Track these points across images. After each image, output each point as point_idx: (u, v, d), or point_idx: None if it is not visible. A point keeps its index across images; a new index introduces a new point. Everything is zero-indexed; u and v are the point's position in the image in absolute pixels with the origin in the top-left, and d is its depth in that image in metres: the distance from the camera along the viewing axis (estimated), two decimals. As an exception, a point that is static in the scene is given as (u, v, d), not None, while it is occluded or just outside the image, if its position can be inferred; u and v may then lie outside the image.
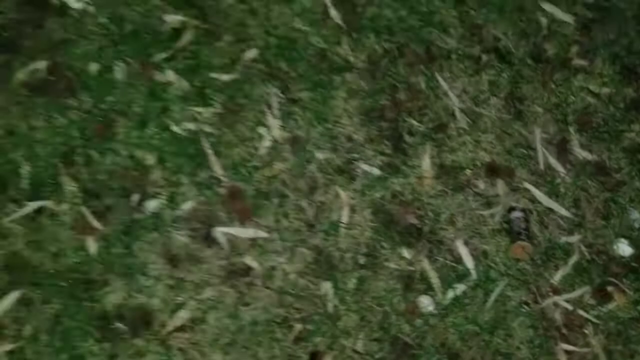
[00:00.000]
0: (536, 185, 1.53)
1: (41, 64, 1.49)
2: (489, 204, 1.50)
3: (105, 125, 1.47)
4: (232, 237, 1.40)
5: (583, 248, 1.47)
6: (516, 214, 1.48)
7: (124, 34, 1.54)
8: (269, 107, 1.53)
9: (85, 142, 1.44)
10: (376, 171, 1.49)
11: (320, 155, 1.50)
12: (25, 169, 1.40)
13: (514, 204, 1.50)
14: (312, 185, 1.47)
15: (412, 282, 1.40)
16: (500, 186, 1.52)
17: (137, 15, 1.56)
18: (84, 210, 1.38)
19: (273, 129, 1.51)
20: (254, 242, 1.40)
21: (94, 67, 1.51)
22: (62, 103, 1.47)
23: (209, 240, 1.39)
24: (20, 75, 1.48)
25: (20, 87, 1.47)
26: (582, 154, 1.57)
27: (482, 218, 1.48)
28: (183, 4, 1.59)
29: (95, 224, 1.37)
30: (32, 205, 1.36)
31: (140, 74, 1.52)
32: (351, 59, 1.60)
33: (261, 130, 1.51)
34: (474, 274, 1.41)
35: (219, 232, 1.40)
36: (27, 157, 1.41)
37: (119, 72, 1.51)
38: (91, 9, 1.55)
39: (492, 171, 1.53)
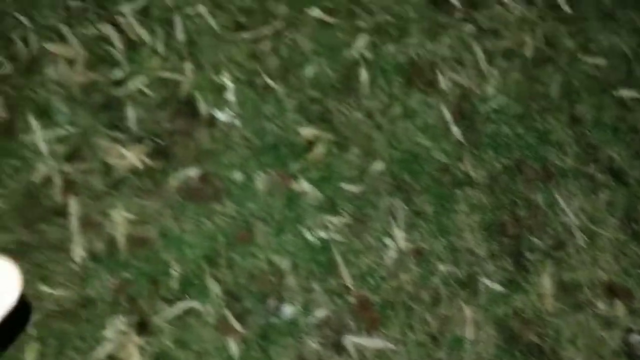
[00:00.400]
0: (656, 308, 1.46)
1: (192, 171, 1.55)
2: (608, 325, 1.43)
3: (247, 230, 1.50)
4: (361, 346, 1.39)
5: None
6: (636, 337, 1.41)
7: (264, 145, 1.59)
8: (394, 218, 1.53)
9: (228, 246, 1.48)
10: (498, 287, 1.45)
11: (443, 268, 1.48)
12: (175, 270, 1.45)
13: (632, 326, 1.43)
14: (436, 298, 1.45)
15: (536, 405, 1.34)
16: (619, 307, 1.45)
17: (276, 129, 1.61)
18: (227, 312, 1.41)
19: (398, 240, 1.51)
20: (381, 352, 1.38)
21: (238, 176, 1.55)
22: (209, 208, 1.52)
23: (339, 349, 1.38)
24: (173, 181, 1.54)
25: (173, 192, 1.53)
26: (701, 278, 1.50)
27: (602, 339, 1.41)
28: (316, 118, 1.63)
29: (237, 326, 1.39)
30: (182, 306, 1.40)
31: (279, 183, 1.56)
32: (472, 174, 1.60)
33: (387, 240, 1.51)
34: (597, 399, 1.35)
35: (349, 340, 1.39)
36: (177, 258, 1.46)
37: (260, 181, 1.55)
38: (237, 122, 1.61)
39: (611, 291, 1.47)
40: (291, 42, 1.70)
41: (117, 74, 1.63)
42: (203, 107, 1.62)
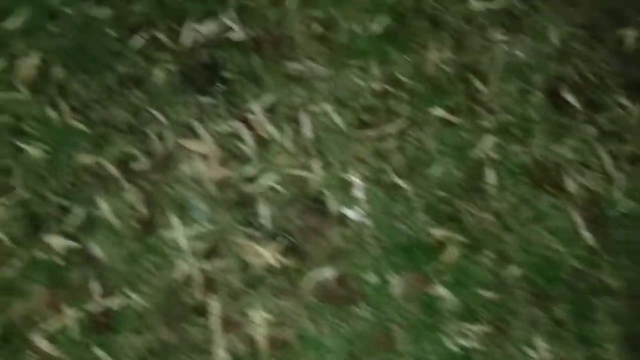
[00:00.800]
0: None
1: (327, 272, 1.56)
2: None
3: (385, 335, 1.50)
4: None
5: None
6: None
7: (396, 246, 1.60)
8: (534, 326, 1.52)
9: (367, 352, 1.48)
10: (648, 405, 1.43)
11: (587, 381, 1.46)
12: (316, 375, 1.45)
13: None
14: (584, 414, 1.43)
15: None
16: None
17: (406, 228, 1.62)
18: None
19: (540, 351, 1.49)
20: None
21: (372, 278, 1.56)
22: (346, 310, 1.52)
23: None
24: (308, 281, 1.56)
25: (309, 293, 1.55)
26: None
27: None
28: (446, 219, 1.64)
29: None
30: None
31: (414, 286, 1.56)
32: (608, 281, 1.58)
33: (529, 351, 1.49)
34: None
35: None
36: (316, 362, 1.47)
37: (395, 284, 1.56)
38: (367, 221, 1.63)
39: None
40: (416, 141, 1.73)
41: (249, 170, 1.67)
42: (332, 204, 1.64)
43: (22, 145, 1.63)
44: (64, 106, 1.69)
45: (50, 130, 1.67)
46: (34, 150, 1.62)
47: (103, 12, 1.82)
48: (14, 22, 1.79)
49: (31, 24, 1.80)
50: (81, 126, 1.67)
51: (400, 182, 1.68)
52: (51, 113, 1.68)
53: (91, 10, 1.82)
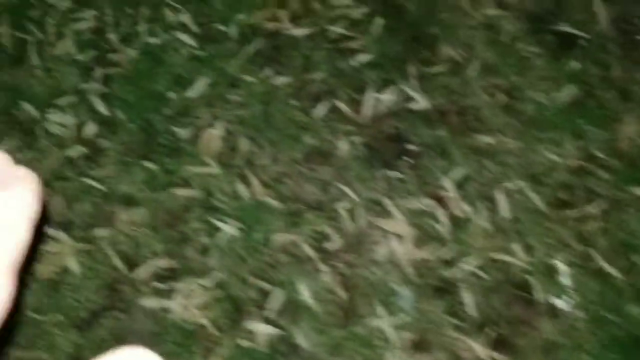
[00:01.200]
0: None
1: (542, 369, 1.50)
2: None
3: None
4: None
5: None
6: None
7: (612, 341, 1.50)
8: None
9: None
10: None
11: None
12: None
13: None
14: None
15: None
16: None
17: (621, 321, 1.51)
18: None
19: None
20: None
21: (592, 377, 1.49)
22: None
23: None
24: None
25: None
26: None
27: None
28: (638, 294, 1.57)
29: None
30: None
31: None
32: None
33: None
34: None
35: None
36: None
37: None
38: (578, 312, 1.55)
39: None
40: (620, 223, 1.65)
41: (447, 252, 1.61)
42: (539, 292, 1.56)
43: (217, 223, 1.61)
44: (254, 181, 1.66)
45: (242, 206, 1.63)
46: (229, 228, 1.60)
47: (283, 81, 1.80)
48: (195, 91, 1.78)
49: (212, 92, 1.78)
50: (273, 202, 1.64)
51: (608, 268, 1.60)
52: (241, 188, 1.66)
53: (271, 78, 1.81)
